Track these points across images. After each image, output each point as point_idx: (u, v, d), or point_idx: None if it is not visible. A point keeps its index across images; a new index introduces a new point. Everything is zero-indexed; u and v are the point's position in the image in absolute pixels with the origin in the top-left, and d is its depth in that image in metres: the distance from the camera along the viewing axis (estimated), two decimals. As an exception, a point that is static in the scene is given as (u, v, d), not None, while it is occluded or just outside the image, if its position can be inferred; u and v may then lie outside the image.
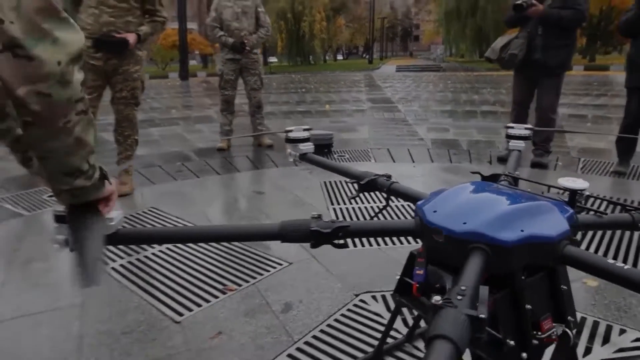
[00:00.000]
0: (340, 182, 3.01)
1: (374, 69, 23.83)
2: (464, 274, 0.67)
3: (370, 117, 6.39)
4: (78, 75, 0.64)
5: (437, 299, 0.60)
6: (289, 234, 0.90)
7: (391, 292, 1.59)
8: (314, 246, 0.89)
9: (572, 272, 0.84)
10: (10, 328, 1.47)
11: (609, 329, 1.42)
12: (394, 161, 3.68)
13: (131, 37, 2.71)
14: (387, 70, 23.06)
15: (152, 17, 2.89)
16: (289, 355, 1.31)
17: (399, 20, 67.41)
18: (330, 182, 3.01)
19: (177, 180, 3.20)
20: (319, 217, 0.90)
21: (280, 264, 1.86)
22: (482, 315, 0.57)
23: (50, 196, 2.83)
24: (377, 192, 1.20)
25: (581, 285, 1.65)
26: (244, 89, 4.32)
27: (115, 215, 0.82)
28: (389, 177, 1.18)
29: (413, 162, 3.66)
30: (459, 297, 0.60)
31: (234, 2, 4.11)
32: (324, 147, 3.97)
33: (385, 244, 2.06)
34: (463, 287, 0.61)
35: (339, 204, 2.63)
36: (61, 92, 0.62)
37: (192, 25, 25.78)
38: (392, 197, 1.16)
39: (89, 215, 0.79)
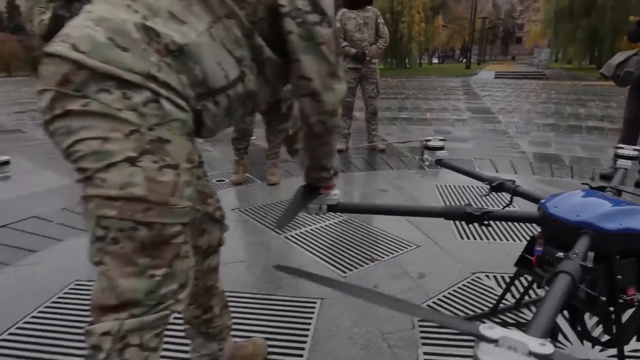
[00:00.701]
0: (450, 186, 3.43)
1: (471, 75, 23.19)
2: (576, 246, 1.11)
3: (471, 127, 6.61)
4: (339, 110, 1.09)
5: (560, 254, 1.07)
6: (449, 213, 1.41)
7: (501, 274, 2.03)
8: (468, 223, 1.39)
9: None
10: (232, 269, 2.16)
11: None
12: (497, 171, 3.98)
13: None
14: (485, 76, 22.30)
15: None
16: (428, 305, 1.82)
17: (501, 20, 63.47)
18: (442, 186, 3.45)
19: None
20: (469, 205, 1.40)
21: (410, 246, 2.38)
22: (589, 265, 1.03)
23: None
24: (479, 200, 1.63)
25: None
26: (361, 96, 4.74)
27: (337, 192, 1.39)
28: (514, 181, 1.64)
29: (515, 173, 3.93)
30: (574, 255, 1.06)
31: (356, 14, 4.41)
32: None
33: (494, 239, 2.47)
34: (577, 251, 1.07)
35: (451, 204, 3.07)
36: (331, 121, 1.07)
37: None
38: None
39: (314, 192, 1.33)
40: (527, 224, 2.48)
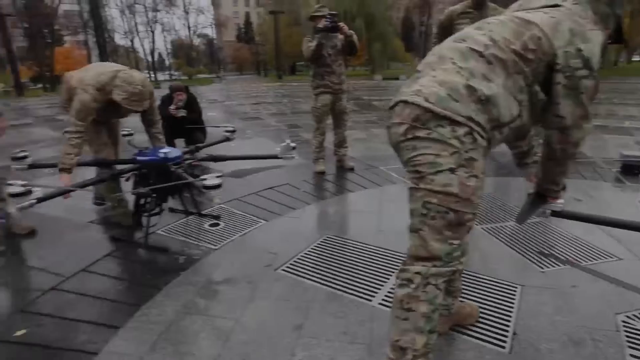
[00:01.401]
0: (659, 204, 2.97)
1: (686, 76, 17.89)
2: None
3: (687, 140, 5.33)
4: (583, 142, 1.22)
5: None
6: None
7: None
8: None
9: None
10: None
11: None
12: None
13: None
14: None
15: None
16: (626, 316, 1.75)
17: None
18: (647, 203, 3.02)
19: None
20: None
21: (611, 257, 2.23)
22: None
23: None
24: None
25: None
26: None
27: (561, 202, 1.48)
28: None
29: None
30: None
31: None
32: (634, 168, 3.78)
33: None
34: None
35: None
36: (572, 150, 1.22)
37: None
38: None
39: (542, 199, 1.46)
40: None
